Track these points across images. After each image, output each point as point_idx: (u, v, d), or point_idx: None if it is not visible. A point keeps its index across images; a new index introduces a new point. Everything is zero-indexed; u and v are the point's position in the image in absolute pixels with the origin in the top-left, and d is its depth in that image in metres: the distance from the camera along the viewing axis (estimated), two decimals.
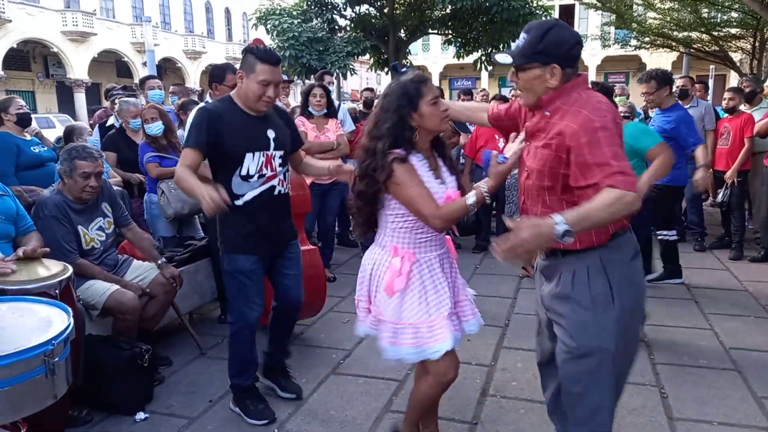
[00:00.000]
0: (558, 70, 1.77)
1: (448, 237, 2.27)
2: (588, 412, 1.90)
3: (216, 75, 3.76)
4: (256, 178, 2.59)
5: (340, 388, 3.08)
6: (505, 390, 3.02)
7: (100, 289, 3.02)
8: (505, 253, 1.60)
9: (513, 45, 1.87)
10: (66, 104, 26.99)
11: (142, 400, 2.90)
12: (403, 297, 2.09)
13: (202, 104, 3.90)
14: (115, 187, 3.75)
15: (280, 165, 2.67)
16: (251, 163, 2.56)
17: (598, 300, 1.81)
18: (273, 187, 2.65)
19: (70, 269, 2.56)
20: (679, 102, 4.42)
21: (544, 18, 16.35)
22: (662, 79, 4.18)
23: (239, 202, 2.58)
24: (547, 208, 1.82)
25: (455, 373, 2.19)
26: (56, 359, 1.67)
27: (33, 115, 6.32)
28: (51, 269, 2.53)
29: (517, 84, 1.88)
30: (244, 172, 2.57)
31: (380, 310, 2.16)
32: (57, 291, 2.40)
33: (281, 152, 2.67)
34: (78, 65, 27.62)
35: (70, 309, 1.92)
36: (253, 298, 2.71)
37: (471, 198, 1.98)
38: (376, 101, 6.16)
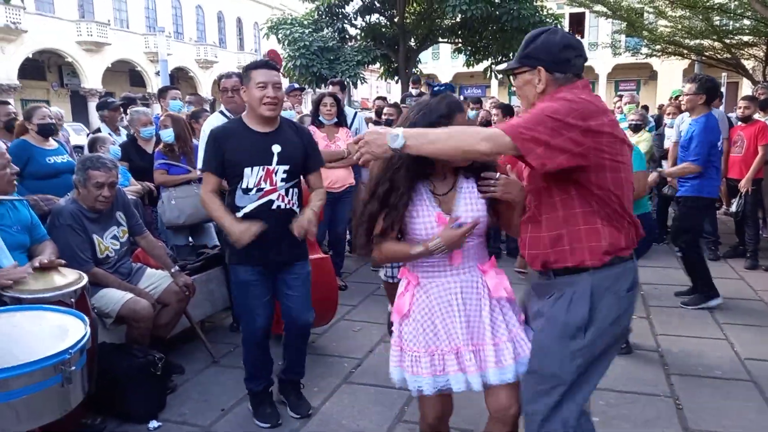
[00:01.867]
0: (543, 73, 1.75)
1: (485, 267, 1.97)
2: None
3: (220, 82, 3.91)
4: (254, 191, 2.64)
5: (352, 398, 3.07)
6: None
7: (114, 297, 3.05)
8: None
9: None
10: (80, 113, 27.30)
11: (155, 408, 2.91)
12: (405, 320, 1.99)
13: (216, 113, 3.96)
14: (129, 196, 3.79)
15: (282, 180, 2.67)
16: (250, 177, 2.63)
17: (569, 328, 1.75)
18: (271, 202, 2.66)
19: (86, 278, 2.59)
20: (713, 113, 4.35)
21: (554, 26, 16.40)
22: (703, 85, 4.14)
23: (239, 215, 2.64)
24: (551, 208, 1.78)
25: (433, 419, 2.06)
26: (72, 368, 1.69)
27: None
28: (67, 278, 2.56)
29: (516, 92, 1.90)
30: (244, 185, 2.65)
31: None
32: (73, 300, 2.43)
33: (286, 167, 2.68)
34: (92, 75, 27.98)
35: (86, 318, 1.94)
36: (256, 308, 2.76)
37: (416, 249, 1.86)
38: (385, 109, 6.21)
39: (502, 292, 1.93)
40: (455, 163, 1.88)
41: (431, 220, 1.89)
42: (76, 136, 14.96)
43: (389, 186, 1.85)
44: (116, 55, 29.03)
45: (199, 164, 3.75)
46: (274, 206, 2.67)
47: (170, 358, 3.28)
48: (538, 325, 1.87)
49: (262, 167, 2.63)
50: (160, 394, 3.00)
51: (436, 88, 2.00)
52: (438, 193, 1.93)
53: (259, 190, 2.63)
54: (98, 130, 5.63)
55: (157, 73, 22.09)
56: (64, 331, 1.85)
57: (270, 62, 2.74)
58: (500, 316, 1.93)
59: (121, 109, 5.86)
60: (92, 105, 27.68)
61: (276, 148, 2.65)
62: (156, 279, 3.36)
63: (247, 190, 2.64)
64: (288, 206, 2.71)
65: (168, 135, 4.32)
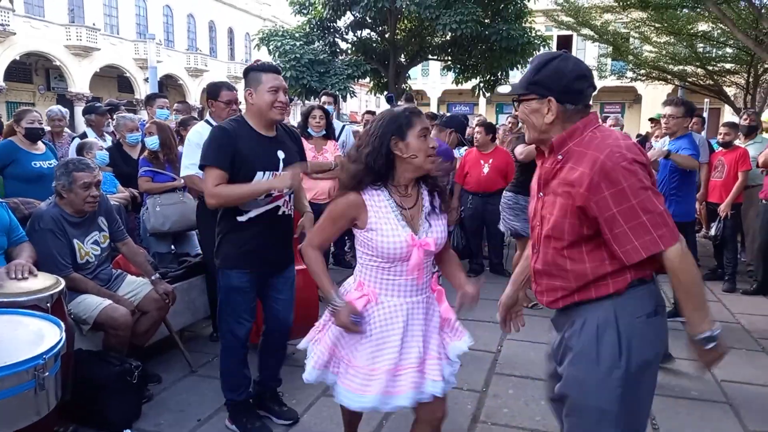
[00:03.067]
0: (554, 104, 1.64)
1: (439, 288, 2.13)
2: None
3: (211, 92, 3.83)
4: (263, 196, 2.62)
5: (332, 410, 3.04)
6: (496, 417, 3.00)
7: (92, 303, 3.01)
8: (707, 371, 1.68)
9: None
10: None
11: (130, 418, 2.87)
12: (359, 337, 1.98)
13: (202, 122, 3.95)
14: (113, 202, 3.76)
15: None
16: (261, 181, 2.61)
17: (604, 357, 1.64)
18: (278, 208, 2.68)
19: (63, 283, 2.56)
20: (691, 134, 4.44)
21: (542, 48, 16.67)
22: (690, 109, 4.23)
23: (242, 218, 2.62)
24: (563, 259, 1.69)
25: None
26: (46, 374, 1.66)
27: None
28: (43, 282, 2.52)
29: (519, 117, 1.80)
30: None
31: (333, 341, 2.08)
32: (49, 304, 2.39)
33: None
34: (80, 79, 27.78)
35: (62, 323, 1.91)
36: (243, 314, 2.72)
37: (332, 295, 1.96)
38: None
39: (449, 313, 2.09)
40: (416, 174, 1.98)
41: (401, 241, 1.90)
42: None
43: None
44: (105, 61, 28.88)
45: (184, 171, 3.75)
46: (280, 212, 2.69)
47: (148, 367, 3.24)
48: (568, 359, 1.73)
49: (271, 173, 2.63)
50: (135, 403, 2.95)
51: (399, 103, 2.09)
52: (404, 206, 1.95)
53: (268, 195, 2.62)
54: (84, 134, 5.60)
55: (146, 80, 22.01)
56: (39, 336, 1.82)
57: (277, 66, 2.74)
58: (436, 331, 2.06)
59: (108, 115, 5.84)
60: (79, 109, 27.47)
61: (281, 154, 2.68)
62: (136, 286, 3.32)
63: None
64: (289, 211, 2.75)
65: (153, 142, 4.30)
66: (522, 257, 2.02)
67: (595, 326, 1.66)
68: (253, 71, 2.63)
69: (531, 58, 1.91)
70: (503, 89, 1.79)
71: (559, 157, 1.67)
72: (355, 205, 1.93)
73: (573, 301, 1.70)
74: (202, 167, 2.64)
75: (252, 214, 2.63)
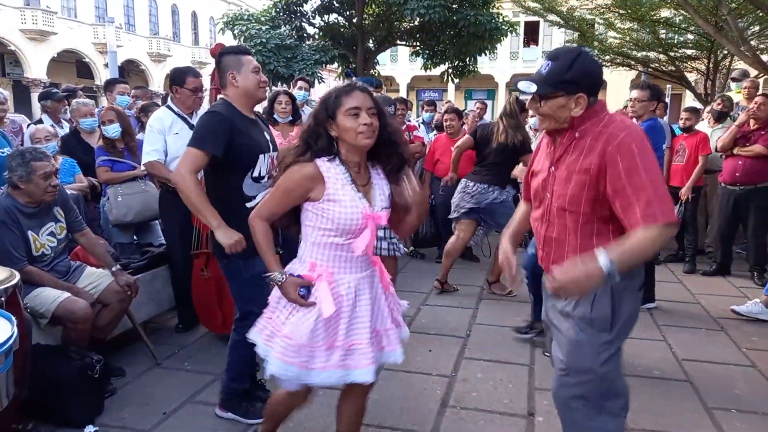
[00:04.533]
0: (584, 100, 1.76)
1: (376, 258, 2.07)
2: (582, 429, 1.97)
3: (176, 78, 3.72)
4: (266, 179, 2.61)
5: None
6: (465, 401, 3.03)
7: (49, 296, 2.90)
8: (555, 291, 1.71)
9: (536, 72, 1.83)
10: (22, 104, 26.06)
11: (92, 413, 2.79)
12: (299, 311, 1.94)
13: (164, 107, 3.83)
14: (70, 192, 3.63)
15: None
16: (262, 164, 2.60)
17: (597, 322, 1.85)
18: None
19: (17, 276, 2.46)
20: (656, 118, 4.51)
21: (510, 34, 16.79)
22: (656, 93, 4.30)
23: (251, 204, 2.56)
24: (574, 235, 1.84)
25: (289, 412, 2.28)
26: None
27: None
28: None
29: (538, 111, 1.84)
30: (256, 173, 2.59)
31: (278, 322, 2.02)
32: (3, 298, 2.30)
33: (275, 153, 2.69)
34: (36, 65, 26.77)
35: (13, 318, 1.84)
36: (263, 299, 2.68)
37: (273, 268, 1.99)
38: None
39: (390, 286, 2.14)
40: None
41: (358, 212, 1.89)
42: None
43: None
44: (63, 45, 27.87)
45: (146, 158, 3.64)
46: None
47: (110, 360, 3.16)
48: (565, 325, 1.93)
49: (267, 154, 2.62)
50: (98, 397, 2.87)
51: (355, 79, 2.06)
52: (359, 183, 1.94)
53: (270, 177, 2.60)
54: (40, 121, 5.39)
55: (106, 65, 21.34)
56: None
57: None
58: (387, 301, 2.10)
59: (65, 101, 5.62)
60: (35, 96, 26.52)
61: (267, 135, 2.68)
62: (96, 278, 3.22)
63: (259, 178, 2.59)
64: None
65: (114, 130, 4.16)
66: (517, 220, 2.22)
67: (591, 296, 1.82)
68: (231, 54, 2.62)
69: (547, 55, 1.89)
70: (525, 86, 1.79)
71: (576, 134, 1.81)
72: (311, 177, 1.87)
73: None
74: (188, 146, 2.52)
75: (259, 198, 2.59)
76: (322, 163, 1.90)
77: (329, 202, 1.87)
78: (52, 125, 5.14)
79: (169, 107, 3.75)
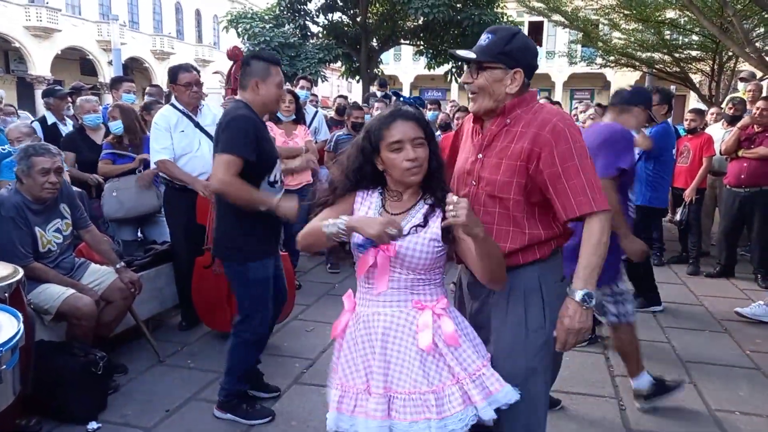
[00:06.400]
0: (520, 76, 1.73)
1: (425, 305, 1.68)
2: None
3: (170, 76, 3.79)
4: (279, 183, 2.67)
5: (303, 398, 3.03)
6: None
7: (54, 293, 2.91)
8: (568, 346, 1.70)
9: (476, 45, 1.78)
10: (26, 100, 26.09)
11: (95, 409, 2.80)
12: (339, 347, 1.81)
13: (167, 105, 3.83)
14: (74, 188, 3.64)
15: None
16: (277, 169, 2.65)
17: (531, 322, 1.77)
18: (288, 191, 2.77)
19: (21, 272, 2.47)
20: (668, 122, 4.50)
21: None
22: (666, 97, 4.28)
23: (263, 208, 2.56)
24: (505, 222, 1.76)
25: None
26: (3, 367, 1.60)
27: None
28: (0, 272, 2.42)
29: (473, 84, 1.77)
30: (272, 178, 2.63)
31: None
32: (6, 294, 2.31)
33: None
34: (40, 61, 26.82)
35: (20, 314, 1.84)
36: (268, 302, 2.76)
37: (329, 227, 1.60)
38: (347, 109, 6.17)
39: (427, 341, 1.63)
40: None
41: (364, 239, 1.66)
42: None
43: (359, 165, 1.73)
44: (67, 42, 27.91)
45: (155, 156, 3.65)
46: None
47: (113, 357, 3.17)
48: (495, 324, 1.81)
49: (279, 160, 2.69)
50: (101, 394, 2.88)
51: (402, 99, 1.82)
52: (389, 210, 1.72)
53: (281, 182, 2.69)
54: (43, 118, 5.40)
55: (110, 63, 21.39)
56: None
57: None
58: (437, 361, 1.65)
59: (69, 98, 5.62)
60: (39, 93, 26.56)
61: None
62: (100, 275, 3.23)
63: (273, 183, 2.63)
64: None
65: (117, 126, 4.18)
66: None
67: (522, 292, 1.77)
68: (262, 60, 2.61)
69: (486, 30, 1.85)
70: (464, 53, 1.75)
71: (507, 121, 1.76)
72: (346, 201, 1.77)
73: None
74: (223, 152, 2.50)
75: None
76: (361, 195, 1.76)
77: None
78: (55, 122, 5.15)
79: (173, 105, 3.76)
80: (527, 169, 1.70)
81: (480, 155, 1.82)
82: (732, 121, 6.11)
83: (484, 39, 1.77)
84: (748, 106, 6.11)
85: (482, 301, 1.85)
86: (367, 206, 1.73)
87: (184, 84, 3.66)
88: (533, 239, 1.75)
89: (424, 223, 1.66)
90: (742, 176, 5.20)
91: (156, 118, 3.73)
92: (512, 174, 1.72)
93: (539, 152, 1.67)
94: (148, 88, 6.72)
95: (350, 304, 1.80)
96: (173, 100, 3.80)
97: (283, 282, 2.97)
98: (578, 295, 1.65)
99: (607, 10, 13.56)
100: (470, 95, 1.83)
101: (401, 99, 2.29)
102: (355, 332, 1.73)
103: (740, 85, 7.51)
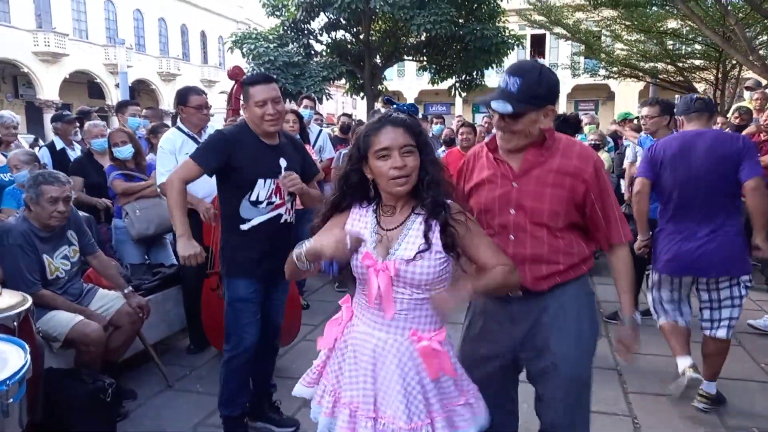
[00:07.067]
0: (553, 112, 1.79)
1: (422, 335, 1.62)
2: None
3: (180, 97, 3.83)
4: (264, 204, 2.62)
5: (313, 422, 2.99)
6: None
7: (62, 320, 2.91)
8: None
9: (501, 90, 1.76)
10: (35, 124, 26.44)
11: None
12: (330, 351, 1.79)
13: (173, 128, 3.86)
14: (81, 213, 3.65)
15: (288, 194, 2.69)
16: (262, 189, 2.61)
17: (585, 332, 1.91)
18: (280, 216, 2.68)
19: (30, 300, 2.47)
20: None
21: (516, 47, 16.86)
22: (666, 108, 4.24)
23: (245, 227, 2.60)
24: (548, 248, 1.86)
25: None
26: (10, 400, 1.59)
27: None
28: (9, 300, 2.42)
29: (509, 128, 1.77)
30: (254, 197, 2.61)
31: None
32: (15, 323, 2.30)
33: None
34: (48, 86, 27.19)
35: (27, 346, 1.84)
36: (247, 326, 2.70)
37: (296, 255, 1.63)
38: (352, 126, 6.20)
39: (422, 373, 1.61)
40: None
41: (357, 258, 1.64)
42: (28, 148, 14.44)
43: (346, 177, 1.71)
44: (74, 66, 28.30)
45: (160, 179, 3.66)
46: (282, 220, 2.69)
47: (122, 383, 3.16)
48: (551, 340, 1.88)
49: (273, 180, 2.63)
50: (110, 421, 2.86)
51: (395, 106, 1.79)
52: (383, 226, 1.67)
53: (270, 203, 2.63)
54: (52, 143, 5.45)
55: (117, 86, 21.64)
56: (2, 360, 1.74)
57: (268, 76, 2.74)
58: (421, 395, 1.61)
59: (77, 123, 5.69)
60: (48, 117, 26.86)
61: (283, 162, 2.68)
62: (108, 300, 3.23)
63: (257, 203, 2.61)
64: (291, 219, 2.75)
65: (128, 151, 4.21)
66: None
67: (575, 307, 1.89)
68: (244, 85, 2.66)
69: (508, 66, 1.82)
70: (501, 107, 1.73)
71: (543, 149, 1.84)
72: (338, 221, 1.76)
73: (556, 282, 1.87)
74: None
75: (254, 222, 2.62)
76: (356, 213, 1.73)
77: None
78: (63, 147, 5.20)
79: (179, 128, 3.79)
80: (573, 199, 1.82)
81: (515, 184, 1.85)
82: (738, 130, 6.08)
83: (512, 84, 1.73)
84: (755, 115, 6.08)
85: (533, 320, 1.90)
86: (363, 224, 1.70)
87: (195, 106, 3.72)
88: (581, 256, 1.89)
89: (428, 245, 1.59)
90: None
91: (162, 142, 3.76)
92: (559, 203, 1.82)
93: (585, 185, 1.81)
94: (144, 110, 6.75)
95: (348, 314, 1.77)
96: (179, 122, 3.83)
97: (276, 314, 2.87)
98: (636, 320, 1.95)
99: (608, 22, 13.64)
100: (502, 133, 1.82)
101: (394, 106, 2.21)
102: (346, 345, 1.73)
103: (746, 94, 7.49)
